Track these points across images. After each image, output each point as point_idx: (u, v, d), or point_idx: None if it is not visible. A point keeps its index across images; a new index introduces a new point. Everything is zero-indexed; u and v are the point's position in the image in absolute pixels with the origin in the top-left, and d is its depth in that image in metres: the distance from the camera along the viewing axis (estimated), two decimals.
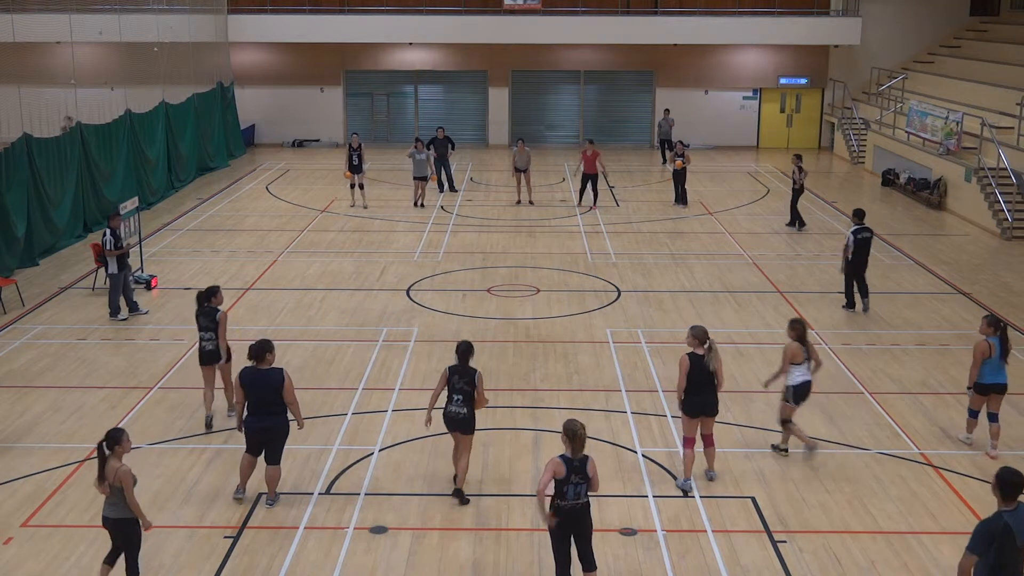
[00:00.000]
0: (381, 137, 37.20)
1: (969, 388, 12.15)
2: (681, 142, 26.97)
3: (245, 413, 10.55)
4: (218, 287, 12.82)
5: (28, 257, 19.98)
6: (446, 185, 27.83)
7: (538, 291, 18.59)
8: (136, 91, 26.25)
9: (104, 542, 9.19)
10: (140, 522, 8.83)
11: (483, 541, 10.15)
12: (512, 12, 34.20)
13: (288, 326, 16.43)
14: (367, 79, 36.90)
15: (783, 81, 36.20)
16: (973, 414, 12.27)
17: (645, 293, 18.50)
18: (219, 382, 12.93)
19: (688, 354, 10.93)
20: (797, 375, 11.62)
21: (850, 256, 17.08)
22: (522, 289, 18.79)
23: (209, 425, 12.68)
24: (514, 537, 10.21)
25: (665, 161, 32.54)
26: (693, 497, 10.99)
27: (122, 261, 16.80)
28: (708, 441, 11.25)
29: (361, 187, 25.85)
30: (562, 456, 8.64)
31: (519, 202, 26.20)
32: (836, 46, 35.32)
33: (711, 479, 11.32)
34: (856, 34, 34.00)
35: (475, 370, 10.75)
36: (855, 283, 17.33)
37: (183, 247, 21.76)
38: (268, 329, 15.92)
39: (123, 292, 16.87)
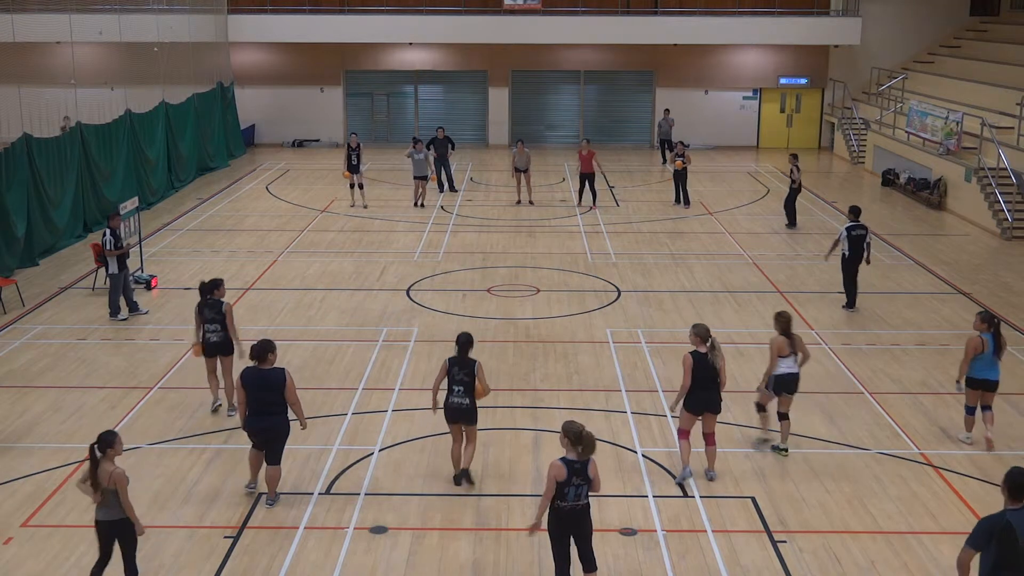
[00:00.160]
0: (381, 137, 37.21)
1: (958, 382, 12.28)
2: (682, 142, 26.97)
3: (246, 413, 10.54)
4: (221, 280, 13.02)
5: (28, 257, 19.98)
6: (446, 185, 27.83)
7: (538, 291, 18.59)
8: (136, 91, 26.26)
9: None
10: (135, 524, 8.81)
11: (483, 541, 10.15)
12: (512, 12, 34.21)
13: (288, 326, 16.43)
14: (367, 79, 36.90)
15: (783, 81, 36.20)
16: (970, 411, 12.35)
17: (645, 293, 18.50)
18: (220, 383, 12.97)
19: (691, 352, 11.00)
20: (783, 367, 11.74)
21: (846, 252, 17.15)
22: (522, 289, 18.79)
23: (215, 410, 13.00)
24: (514, 537, 10.21)
25: (665, 161, 32.54)
26: (693, 497, 10.99)
27: (122, 261, 16.80)
28: (709, 440, 11.27)
29: (360, 187, 25.86)
30: (563, 459, 8.63)
31: (519, 202, 26.21)
32: (836, 46, 35.32)
33: (711, 479, 11.33)
34: (856, 34, 34.01)
35: (474, 360, 10.90)
36: (849, 280, 17.42)
37: (183, 247, 21.76)
38: (268, 329, 15.92)
39: (123, 292, 16.88)
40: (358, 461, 11.80)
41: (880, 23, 34.98)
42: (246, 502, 10.82)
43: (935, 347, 15.69)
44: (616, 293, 18.46)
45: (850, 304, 17.49)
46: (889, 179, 29.02)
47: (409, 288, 18.68)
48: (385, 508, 10.74)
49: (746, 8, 34.92)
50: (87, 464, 8.83)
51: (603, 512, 10.43)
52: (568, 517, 8.65)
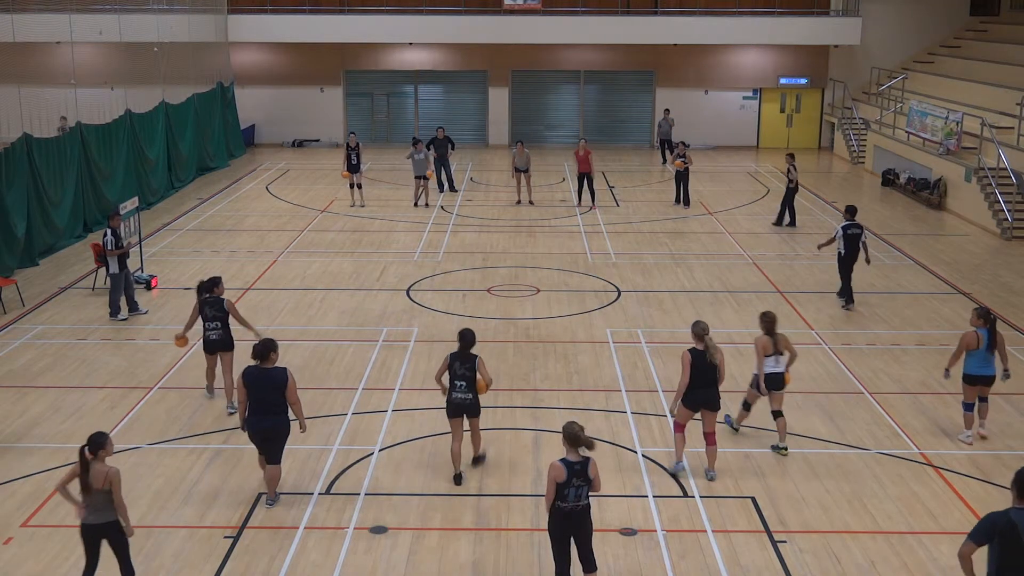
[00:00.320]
0: (381, 137, 37.21)
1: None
2: (683, 143, 26.95)
3: (247, 413, 10.55)
4: (219, 277, 13.23)
5: (28, 257, 19.98)
6: (446, 185, 27.83)
7: (538, 291, 18.60)
8: (136, 91, 26.26)
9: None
10: (124, 526, 8.75)
11: (483, 541, 10.15)
12: (512, 12, 34.21)
13: (288, 326, 16.43)
14: (367, 79, 36.90)
15: (783, 81, 36.21)
16: (968, 407, 12.42)
17: (645, 293, 18.50)
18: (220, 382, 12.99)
19: (689, 350, 11.08)
20: (767, 366, 11.87)
21: (841, 251, 17.34)
22: (522, 289, 18.79)
23: (211, 395, 13.37)
24: (514, 537, 10.21)
25: (665, 161, 32.56)
26: (693, 497, 10.99)
27: (122, 261, 16.81)
28: (709, 440, 11.29)
29: (359, 186, 25.88)
30: (562, 460, 8.63)
31: (519, 202, 26.22)
32: (836, 46, 35.33)
33: (711, 479, 11.34)
34: (856, 34, 34.02)
35: (476, 356, 11.05)
36: (843, 278, 17.60)
37: (183, 247, 21.76)
38: (268, 329, 15.90)
39: (124, 291, 16.89)
40: (358, 461, 11.80)
41: (880, 23, 34.99)
42: (246, 502, 10.82)
43: (935, 347, 15.69)
44: (616, 293, 18.46)
45: (847, 299, 17.58)
46: (889, 179, 29.02)
47: (409, 288, 18.68)
48: (385, 508, 10.74)
49: (746, 8, 34.91)
50: (71, 469, 8.74)
51: (603, 512, 10.43)
52: (568, 518, 8.65)
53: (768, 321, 11.93)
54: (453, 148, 27.93)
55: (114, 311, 16.77)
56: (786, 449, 12.03)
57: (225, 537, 10.17)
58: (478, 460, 11.69)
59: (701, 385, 11.01)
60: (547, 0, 34.42)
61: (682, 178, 25.97)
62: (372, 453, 12.00)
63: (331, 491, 11.10)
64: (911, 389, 14.06)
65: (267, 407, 10.44)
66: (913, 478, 11.50)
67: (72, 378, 14.35)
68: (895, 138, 29.93)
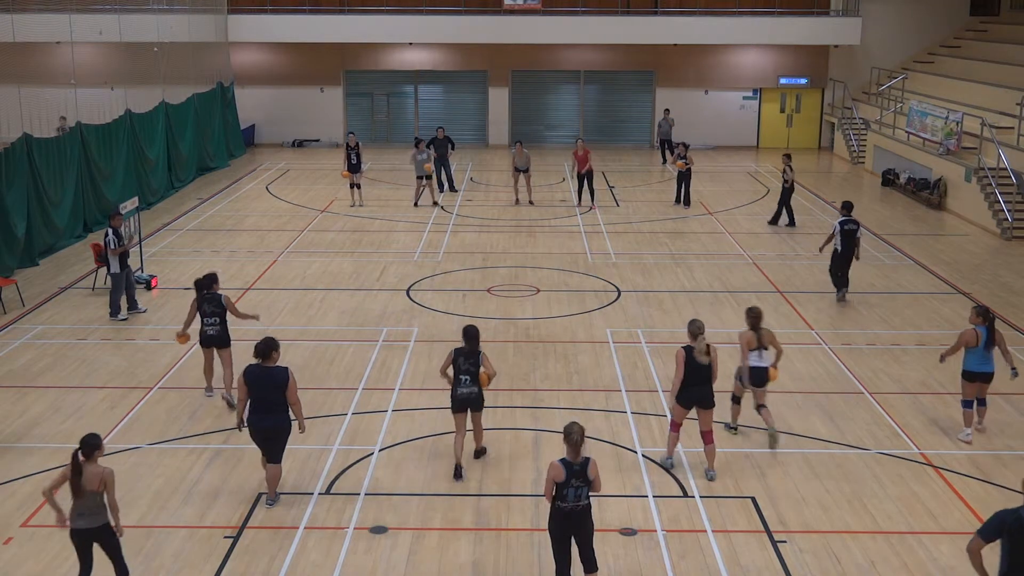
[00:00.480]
0: (381, 137, 37.20)
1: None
2: (683, 143, 26.91)
3: (247, 412, 10.55)
4: (215, 273, 13.40)
5: (28, 257, 19.98)
6: (446, 185, 27.83)
7: (538, 291, 18.60)
8: (136, 91, 26.26)
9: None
10: (116, 526, 8.72)
11: (483, 541, 10.15)
12: (512, 12, 34.21)
13: (288, 326, 16.43)
14: (367, 79, 36.90)
15: (783, 81, 36.20)
16: (967, 404, 12.49)
17: (645, 293, 18.50)
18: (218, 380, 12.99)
19: (684, 347, 11.17)
20: (750, 361, 12.03)
21: (838, 247, 17.63)
22: (522, 289, 18.79)
23: (210, 394, 13.42)
24: (514, 537, 10.21)
25: (665, 161, 32.56)
26: (693, 497, 10.99)
27: (123, 260, 16.83)
28: (707, 439, 11.33)
29: (359, 186, 25.90)
30: (561, 460, 8.64)
31: (517, 202, 26.22)
32: (836, 46, 35.32)
33: (711, 479, 11.35)
34: (856, 34, 34.02)
35: (480, 351, 11.25)
36: (840, 273, 17.92)
37: (183, 247, 21.76)
38: (268, 329, 15.88)
39: (125, 291, 16.91)
40: (358, 461, 11.80)
41: (880, 23, 34.99)
42: (246, 502, 10.82)
43: (935, 347, 15.67)
44: (616, 293, 18.46)
45: (839, 288, 17.95)
46: (889, 179, 29.02)
47: (409, 288, 18.68)
48: (385, 508, 10.74)
49: (746, 8, 34.91)
50: (58, 474, 8.67)
51: (603, 512, 10.42)
52: (569, 518, 8.65)
53: (754, 316, 12.08)
54: (453, 148, 27.93)
55: (114, 311, 16.77)
56: (736, 428, 12.38)
57: (225, 537, 10.17)
58: (479, 453, 11.80)
59: (695, 383, 11.09)
60: (547, 0, 34.42)
61: (684, 178, 25.97)
62: (372, 453, 12.00)
63: (331, 491, 11.10)
64: (911, 389, 14.07)
65: (268, 406, 10.44)
66: (913, 478, 11.50)
67: (72, 378, 14.35)
68: (895, 138, 29.94)
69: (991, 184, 23.71)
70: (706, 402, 11.17)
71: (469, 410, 11.37)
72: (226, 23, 33.89)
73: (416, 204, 25.78)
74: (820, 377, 14.49)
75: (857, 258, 17.87)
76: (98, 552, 8.84)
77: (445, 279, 19.37)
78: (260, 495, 10.91)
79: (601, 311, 17.43)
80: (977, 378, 12.35)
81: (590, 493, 8.70)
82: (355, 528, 10.34)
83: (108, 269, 16.85)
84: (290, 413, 10.59)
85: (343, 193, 27.09)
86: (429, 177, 25.70)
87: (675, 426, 11.45)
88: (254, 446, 11.06)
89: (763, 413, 12.16)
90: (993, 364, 12.36)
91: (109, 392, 13.81)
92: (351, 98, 37.08)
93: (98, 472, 8.55)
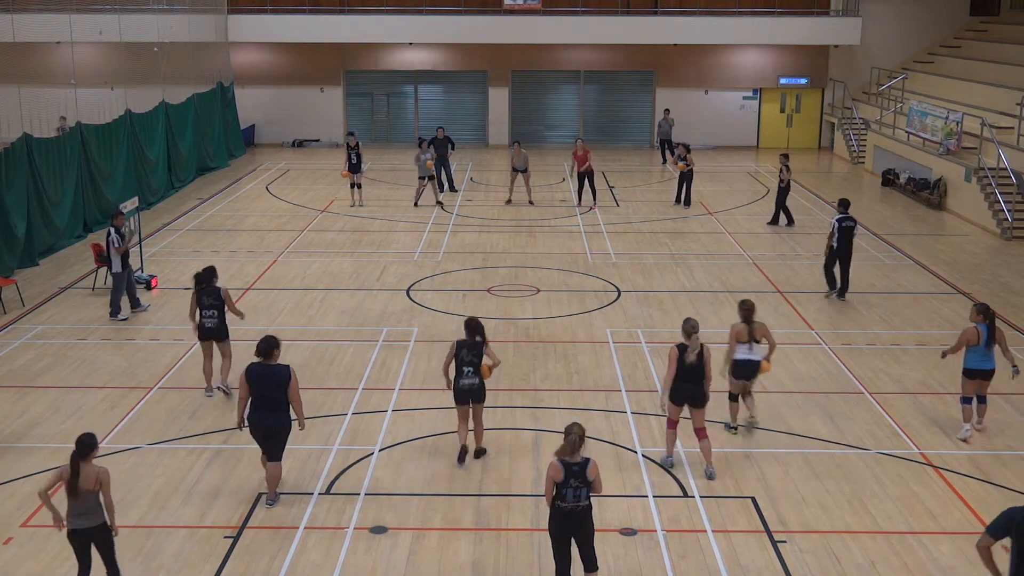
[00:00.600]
0: (381, 137, 37.20)
1: (944, 355, 12.73)
2: (683, 144, 26.85)
3: (248, 410, 10.57)
4: (214, 267, 13.65)
5: (28, 257, 19.98)
6: (446, 185, 27.83)
7: (538, 291, 18.60)
8: (136, 91, 26.25)
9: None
10: (111, 525, 8.71)
11: (483, 541, 10.15)
12: (512, 12, 34.20)
13: (288, 326, 16.42)
14: (367, 79, 36.90)
15: (783, 81, 36.20)
16: (966, 400, 12.55)
17: (645, 293, 18.50)
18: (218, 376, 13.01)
19: (677, 345, 11.29)
20: (738, 353, 12.15)
21: (834, 244, 17.83)
22: (522, 289, 18.79)
23: (211, 395, 13.44)
24: (514, 537, 10.21)
25: (665, 161, 32.57)
26: (693, 497, 11.00)
27: (124, 259, 16.87)
28: (700, 435, 11.44)
29: (359, 186, 25.92)
30: (560, 459, 8.64)
31: (510, 201, 26.20)
32: (836, 46, 35.32)
33: (710, 476, 11.38)
34: (856, 34, 34.02)
35: (482, 342, 11.38)
36: (839, 271, 18.06)
37: (183, 247, 21.77)
38: (268, 329, 15.86)
39: (126, 290, 16.94)
40: (358, 461, 11.80)
41: (880, 23, 34.98)
42: (246, 502, 10.82)
43: (935, 347, 15.67)
44: (616, 293, 18.46)
45: (831, 287, 18.11)
46: (889, 179, 29.02)
47: (409, 288, 18.68)
48: (385, 508, 10.74)
49: (746, 8, 34.91)
50: (53, 476, 8.66)
51: (603, 512, 10.42)
52: (568, 518, 8.65)
53: (746, 309, 12.22)
54: (453, 148, 27.93)
55: (114, 311, 16.77)
56: (736, 428, 12.47)
57: (225, 537, 10.17)
58: (479, 453, 11.83)
59: (687, 381, 11.22)
60: (547, 0, 34.42)
61: (685, 179, 25.97)
62: (372, 453, 12.00)
63: (331, 491, 11.10)
64: (911, 389, 14.07)
65: (269, 404, 10.47)
66: (913, 478, 11.50)
67: (72, 378, 14.35)
68: (895, 138, 29.93)
69: (991, 184, 23.71)
70: (698, 400, 11.27)
71: (471, 401, 11.52)
72: (226, 23, 33.89)
73: (416, 204, 25.76)
74: (820, 377, 14.49)
75: (826, 253, 18.13)
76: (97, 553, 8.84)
77: (445, 279, 19.37)
78: (260, 495, 10.91)
79: (601, 311, 17.43)
80: (978, 375, 12.40)
81: (591, 495, 8.70)
82: (355, 528, 10.34)
83: (110, 268, 16.87)
84: (290, 412, 10.60)
85: (343, 193, 27.09)
86: (432, 177, 25.70)
87: (672, 424, 11.54)
88: (254, 446, 11.06)
89: (747, 401, 12.43)
90: (994, 361, 12.41)
91: (109, 392, 13.81)
92: (351, 98, 37.08)
93: (93, 472, 8.55)
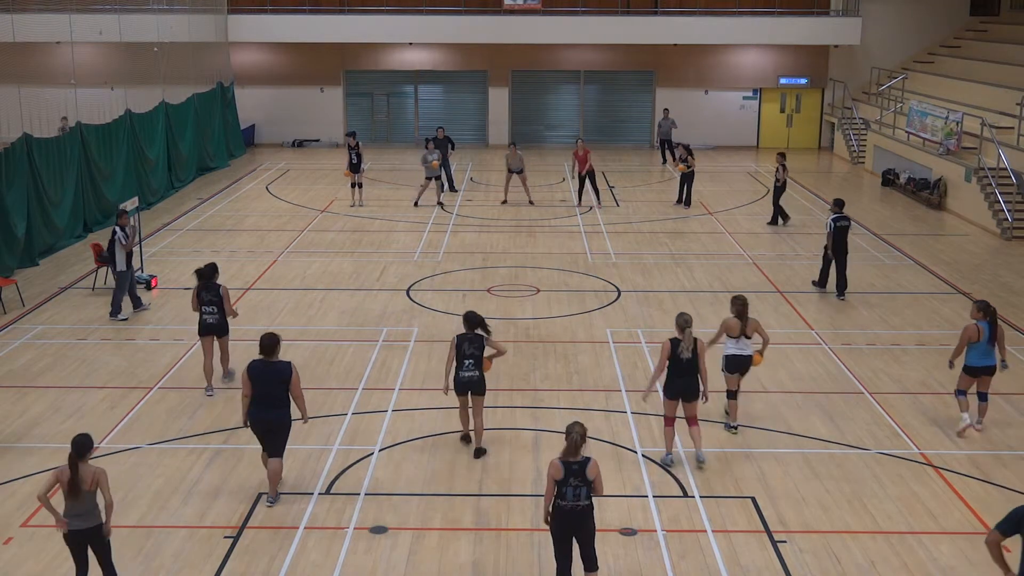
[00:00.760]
0: (381, 137, 37.20)
1: (951, 363, 12.67)
2: (682, 145, 26.83)
3: (250, 405, 10.61)
4: (216, 264, 13.96)
5: (28, 257, 19.98)
6: (446, 185, 27.82)
7: (538, 291, 18.60)
8: (136, 91, 26.25)
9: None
10: (106, 525, 8.66)
11: (483, 541, 10.15)
12: (512, 12, 34.20)
13: (288, 326, 16.41)
14: (367, 79, 36.90)
15: (783, 81, 36.20)
16: (961, 393, 12.64)
17: (645, 293, 18.50)
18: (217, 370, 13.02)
19: (670, 339, 11.40)
20: (731, 348, 12.32)
21: (828, 243, 18.06)
22: (522, 289, 18.79)
23: (210, 395, 13.58)
24: (514, 537, 10.21)
25: (665, 161, 32.57)
26: (693, 497, 11.00)
27: (128, 259, 16.91)
28: (692, 422, 11.58)
29: (359, 186, 25.94)
30: (560, 458, 8.66)
31: (505, 202, 26.20)
32: (836, 46, 35.32)
33: (701, 461, 11.54)
34: (856, 34, 34.02)
35: (482, 335, 11.73)
36: (835, 270, 18.21)
37: (183, 247, 21.76)
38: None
39: (128, 290, 16.97)
40: (358, 461, 11.80)
41: (880, 23, 34.98)
42: (246, 502, 10.82)
43: (935, 347, 15.69)
44: (616, 293, 18.46)
45: (821, 284, 18.41)
46: (889, 179, 29.02)
47: (409, 288, 18.68)
48: (385, 508, 10.74)
49: (746, 8, 34.91)
50: (50, 478, 8.63)
51: (603, 512, 10.41)
52: (569, 517, 8.66)
53: (739, 304, 12.35)
54: (453, 148, 27.92)
55: (115, 310, 16.77)
56: (736, 429, 12.46)
57: (225, 537, 10.17)
58: (479, 452, 11.89)
59: (680, 374, 11.33)
60: (547, 0, 34.42)
61: (686, 179, 25.97)
62: (372, 453, 12.00)
63: (331, 491, 11.10)
64: (911, 389, 14.07)
65: (271, 400, 10.52)
66: (913, 478, 11.50)
67: (72, 378, 14.35)
68: (895, 138, 29.93)
69: (991, 184, 23.71)
70: (690, 394, 11.41)
71: (471, 393, 11.74)
72: (226, 23, 33.89)
73: (416, 203, 25.74)
74: (820, 377, 14.49)
75: (828, 249, 18.22)
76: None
77: (445, 279, 19.37)
78: (260, 495, 10.91)
79: (601, 311, 17.43)
80: (979, 372, 12.47)
81: (593, 495, 8.70)
82: (355, 528, 10.34)
83: (114, 267, 16.90)
84: (291, 409, 10.65)
85: (343, 193, 27.09)
86: (437, 177, 25.74)
87: (669, 421, 11.63)
88: (253, 446, 11.07)
89: (731, 404, 12.55)
90: (995, 358, 12.49)
91: (109, 392, 13.81)
92: (351, 98, 37.08)
93: (91, 472, 8.55)
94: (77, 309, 17.44)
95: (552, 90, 37.17)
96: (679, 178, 26.47)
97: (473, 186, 29.03)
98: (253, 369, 10.54)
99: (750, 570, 9.66)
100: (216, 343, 13.73)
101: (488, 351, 11.79)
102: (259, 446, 11.05)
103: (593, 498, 8.74)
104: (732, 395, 12.63)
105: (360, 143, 26.28)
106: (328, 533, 10.26)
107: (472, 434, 12.10)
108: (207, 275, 13.63)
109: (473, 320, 11.77)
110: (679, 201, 26.19)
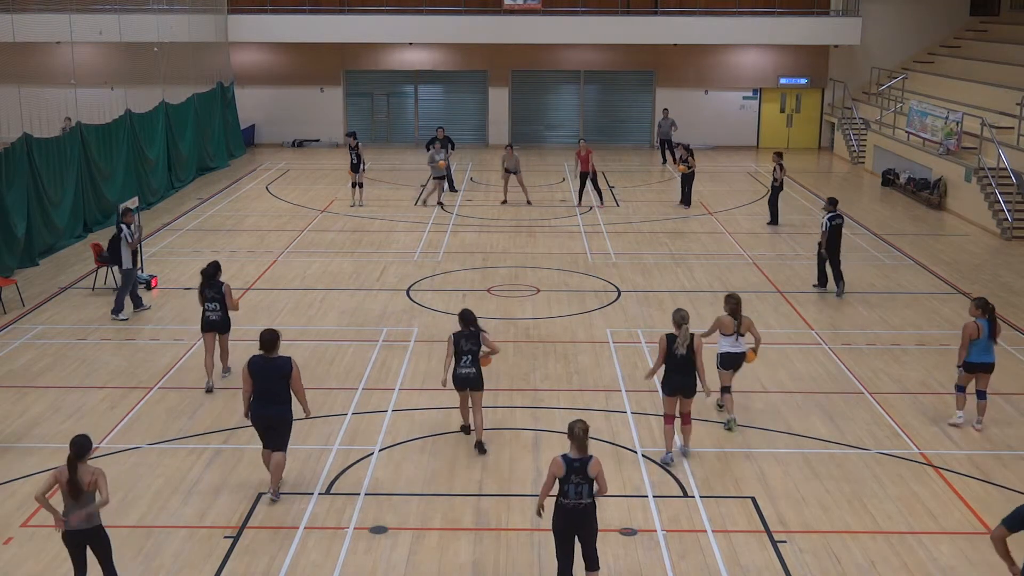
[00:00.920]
0: (381, 137, 37.20)
1: (959, 367, 12.70)
2: (682, 145, 26.83)
3: (251, 401, 10.67)
4: (218, 262, 14.09)
5: (28, 257, 19.98)
6: (446, 185, 27.79)
7: (538, 291, 18.60)
8: (136, 91, 26.26)
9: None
10: (93, 510, 8.60)
11: (483, 541, 10.15)
12: (512, 12, 34.20)
13: (288, 326, 16.41)
14: (367, 79, 36.90)
15: (783, 81, 36.20)
16: (960, 389, 12.76)
17: (645, 293, 18.50)
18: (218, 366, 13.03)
19: (666, 335, 11.48)
20: (723, 345, 12.47)
21: (822, 242, 18.27)
22: (522, 289, 18.79)
23: (209, 390, 13.70)
24: (514, 537, 10.21)
25: (665, 161, 32.57)
26: (693, 497, 11.00)
27: (133, 257, 16.98)
28: (685, 419, 11.71)
29: (360, 186, 25.95)
30: (563, 455, 8.69)
31: (505, 202, 26.21)
32: (836, 46, 35.32)
33: (685, 454, 11.71)
34: (856, 34, 34.02)
35: (479, 331, 11.88)
36: (830, 267, 18.39)
37: (183, 247, 21.76)
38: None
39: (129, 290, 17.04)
40: (358, 461, 11.81)
41: (880, 23, 34.98)
42: (246, 502, 10.82)
43: (935, 347, 15.69)
44: (616, 293, 18.46)
45: (821, 284, 18.54)
46: (889, 179, 29.02)
47: (409, 288, 18.68)
48: (385, 508, 10.74)
49: (746, 8, 34.91)
50: (49, 479, 8.63)
51: (603, 512, 10.38)
52: (571, 515, 8.67)
53: (733, 302, 12.48)
54: (453, 148, 27.93)
55: (119, 308, 16.79)
56: (734, 422, 12.58)
57: (225, 537, 10.17)
58: (479, 445, 11.98)
59: (678, 372, 11.43)
60: (547, 0, 34.42)
61: (688, 180, 25.97)
62: (372, 453, 12.00)
63: (331, 491, 11.10)
64: (911, 389, 14.07)
65: (271, 396, 10.58)
66: (913, 478, 11.50)
67: (72, 378, 14.35)
68: (895, 138, 29.93)
69: (991, 184, 23.71)
70: (687, 391, 11.51)
71: (469, 389, 11.92)
72: (226, 23, 33.89)
73: (439, 203, 25.70)
74: (820, 377, 14.49)
75: (820, 246, 18.43)
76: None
77: (445, 279, 19.37)
78: (260, 495, 10.90)
79: (601, 311, 17.43)
80: (978, 369, 12.53)
81: (598, 494, 8.72)
82: (355, 528, 10.35)
83: (120, 265, 16.93)
84: (292, 405, 10.71)
85: (343, 193, 27.09)
86: (443, 177, 25.77)
87: (668, 419, 11.70)
88: (253, 446, 11.07)
89: (726, 397, 12.64)
90: (994, 355, 12.56)
91: (109, 392, 13.81)
92: (351, 98, 37.08)
93: (90, 472, 8.54)
94: (77, 309, 17.44)
95: (552, 90, 37.17)
96: (680, 179, 26.46)
97: (473, 186, 29.03)
98: (253, 365, 10.58)
99: (750, 570, 9.66)
100: (217, 340, 13.90)
101: (483, 349, 11.93)
102: (259, 446, 11.06)
103: (596, 497, 8.74)
104: (726, 390, 12.73)
105: (360, 143, 26.29)
106: (328, 533, 10.26)
107: (472, 425, 12.27)
108: (210, 273, 13.81)
109: (468, 318, 11.92)
110: (682, 202, 26.17)
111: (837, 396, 13.78)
